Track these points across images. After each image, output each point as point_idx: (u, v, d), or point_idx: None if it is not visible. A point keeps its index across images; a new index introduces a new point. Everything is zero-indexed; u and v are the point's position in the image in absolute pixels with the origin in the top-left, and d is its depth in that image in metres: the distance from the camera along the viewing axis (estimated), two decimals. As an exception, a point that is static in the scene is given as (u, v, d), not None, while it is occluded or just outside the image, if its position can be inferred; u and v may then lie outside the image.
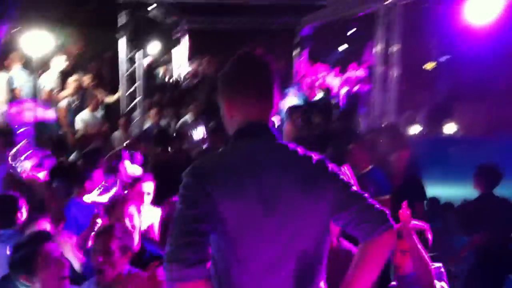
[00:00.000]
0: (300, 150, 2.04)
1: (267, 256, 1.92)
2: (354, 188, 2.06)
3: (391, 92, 10.24)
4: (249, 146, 1.99)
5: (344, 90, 15.22)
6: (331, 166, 2.05)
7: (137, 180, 4.58)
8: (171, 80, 15.50)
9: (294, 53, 16.45)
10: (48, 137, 8.06)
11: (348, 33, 14.21)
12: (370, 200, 2.04)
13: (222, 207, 1.87)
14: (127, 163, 5.22)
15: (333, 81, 16.90)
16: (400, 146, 6.27)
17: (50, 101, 9.22)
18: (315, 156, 2.04)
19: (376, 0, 10.05)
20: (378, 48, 10.55)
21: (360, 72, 16.72)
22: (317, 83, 15.89)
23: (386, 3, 9.78)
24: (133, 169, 5.59)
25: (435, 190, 6.87)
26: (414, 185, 5.84)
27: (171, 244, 1.84)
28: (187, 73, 17.40)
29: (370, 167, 5.72)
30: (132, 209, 3.73)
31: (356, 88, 14.67)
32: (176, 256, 1.81)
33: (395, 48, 10.07)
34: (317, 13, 13.86)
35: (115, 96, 10.35)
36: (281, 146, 2.03)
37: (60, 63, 9.65)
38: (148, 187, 4.55)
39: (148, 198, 4.55)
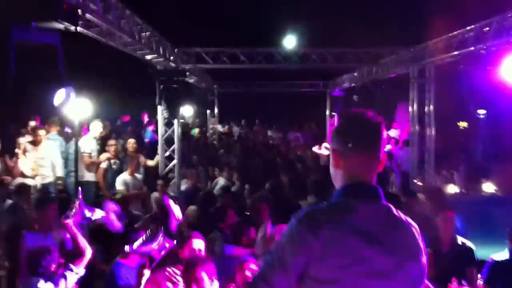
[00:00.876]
0: (399, 213, 2.04)
1: None
2: None
3: (428, 151, 10.20)
4: (364, 209, 1.96)
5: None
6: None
7: (187, 237, 4.51)
8: (205, 142, 15.75)
9: (326, 114, 16.63)
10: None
11: (380, 94, 14.29)
12: None
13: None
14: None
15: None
16: (443, 207, 6.15)
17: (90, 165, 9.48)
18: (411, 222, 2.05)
19: (409, 61, 10.17)
20: (412, 108, 10.59)
21: (392, 132, 16.78)
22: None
23: (420, 63, 9.90)
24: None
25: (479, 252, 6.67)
26: (463, 248, 5.52)
27: None
28: (220, 135, 17.74)
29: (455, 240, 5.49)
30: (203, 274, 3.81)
31: (388, 147, 14.67)
32: None
33: (429, 108, 10.12)
34: (348, 75, 14.09)
35: (155, 160, 10.53)
36: (388, 210, 2.02)
37: (97, 128, 9.94)
38: (199, 244, 4.53)
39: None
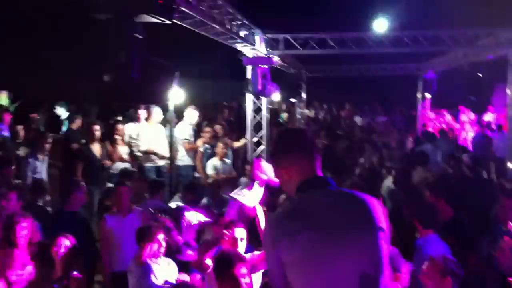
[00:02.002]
0: (355, 192, 2.47)
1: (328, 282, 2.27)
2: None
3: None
4: (312, 195, 2.43)
5: (471, 135, 14.64)
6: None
7: (231, 223, 4.53)
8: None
9: (418, 97, 16.14)
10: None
11: (475, 77, 13.68)
12: None
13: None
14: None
15: (461, 125, 16.34)
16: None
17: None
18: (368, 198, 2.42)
19: (508, 42, 9.64)
20: (510, 92, 10.06)
21: (488, 117, 16.02)
22: (444, 127, 15.46)
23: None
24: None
25: None
26: None
27: None
28: (307, 120, 17.73)
29: None
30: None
31: (485, 133, 14.05)
32: None
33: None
34: (443, 57, 13.56)
35: (242, 142, 10.82)
36: (336, 191, 2.45)
37: (193, 114, 10.33)
38: (241, 233, 4.53)
39: (242, 244, 4.53)
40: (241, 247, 4.51)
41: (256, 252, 4.33)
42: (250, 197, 4.02)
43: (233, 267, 3.83)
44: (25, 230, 5.14)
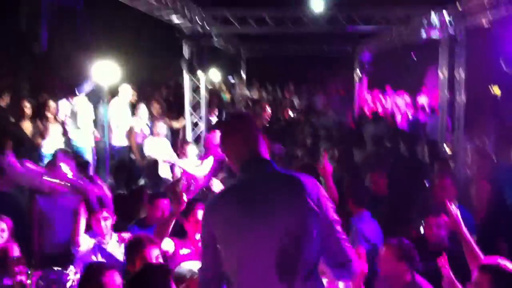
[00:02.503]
0: (292, 173, 2.61)
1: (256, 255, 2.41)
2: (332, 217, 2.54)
3: (458, 118, 10.01)
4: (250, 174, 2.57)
5: (406, 117, 15.06)
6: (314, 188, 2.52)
7: (192, 207, 4.48)
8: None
9: (354, 78, 16.43)
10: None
11: (409, 59, 14.03)
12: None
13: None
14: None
15: (394, 106, 16.78)
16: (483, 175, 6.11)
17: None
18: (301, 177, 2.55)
19: (439, 26, 9.91)
20: (442, 74, 10.37)
21: (422, 99, 16.51)
22: (379, 109, 15.83)
23: (449, 28, 9.65)
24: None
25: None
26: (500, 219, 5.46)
27: None
28: (247, 100, 17.71)
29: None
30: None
31: (417, 114, 14.50)
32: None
33: (460, 74, 9.89)
34: (378, 39, 13.83)
35: (181, 122, 10.67)
36: (273, 172, 2.58)
37: (127, 91, 10.07)
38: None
39: None
40: None
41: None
42: (199, 166, 4.02)
43: (144, 249, 3.81)
44: None
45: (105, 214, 4.98)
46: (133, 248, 3.90)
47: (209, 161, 4.27)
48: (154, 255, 3.84)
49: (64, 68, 10.42)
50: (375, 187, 6.36)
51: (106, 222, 4.95)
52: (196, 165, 4.35)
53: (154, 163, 8.06)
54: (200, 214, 4.37)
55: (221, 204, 2.54)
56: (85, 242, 4.88)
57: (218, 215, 2.49)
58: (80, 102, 9.52)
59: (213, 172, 4.48)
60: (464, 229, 3.82)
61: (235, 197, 2.51)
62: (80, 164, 7.37)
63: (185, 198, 3.97)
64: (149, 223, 5.20)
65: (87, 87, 9.43)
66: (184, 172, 4.39)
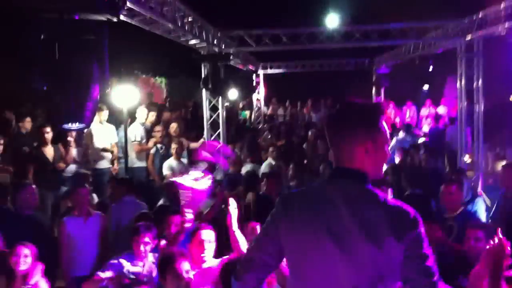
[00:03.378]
0: (382, 196, 2.19)
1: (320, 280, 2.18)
2: (427, 263, 2.13)
3: (477, 128, 9.94)
4: (326, 186, 2.28)
5: (426, 128, 14.97)
6: (415, 227, 2.13)
7: (197, 229, 4.38)
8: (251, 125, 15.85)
9: (372, 91, 16.40)
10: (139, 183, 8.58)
11: (428, 69, 13.96)
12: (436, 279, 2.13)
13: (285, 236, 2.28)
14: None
15: (413, 118, 16.70)
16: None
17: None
18: (399, 208, 2.16)
19: (456, 36, 9.90)
20: (460, 84, 10.33)
21: (441, 109, 16.42)
22: (397, 120, 15.76)
23: (467, 39, 9.62)
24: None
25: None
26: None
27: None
28: (265, 117, 17.79)
29: (462, 208, 5.58)
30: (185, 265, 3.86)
31: (438, 125, 14.39)
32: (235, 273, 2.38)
33: (478, 83, 9.84)
34: (394, 51, 13.82)
35: (199, 142, 10.72)
36: (363, 190, 2.22)
37: (144, 113, 10.21)
38: (208, 234, 4.37)
39: (210, 247, 4.36)
40: (209, 249, 4.34)
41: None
42: (198, 180, 4.01)
43: (175, 263, 3.83)
44: None
45: (147, 239, 4.78)
46: (165, 263, 3.93)
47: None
48: (185, 268, 3.85)
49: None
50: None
51: (146, 247, 4.76)
52: (195, 177, 4.30)
53: (173, 183, 8.12)
54: (204, 234, 4.32)
55: (296, 211, 2.26)
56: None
57: (290, 221, 2.25)
58: (98, 125, 9.64)
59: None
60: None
61: (312, 209, 2.22)
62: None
63: (190, 215, 4.02)
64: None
65: None
66: (181, 187, 4.33)
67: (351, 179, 2.23)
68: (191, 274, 3.89)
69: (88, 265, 5.77)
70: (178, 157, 9.23)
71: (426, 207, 6.17)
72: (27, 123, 10.12)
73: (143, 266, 4.74)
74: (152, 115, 10.79)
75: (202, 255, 4.26)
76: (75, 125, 4.97)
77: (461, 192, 5.68)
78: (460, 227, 5.20)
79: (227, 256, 4.18)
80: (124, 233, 5.92)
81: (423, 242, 2.12)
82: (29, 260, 4.75)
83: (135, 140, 9.80)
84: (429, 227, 4.33)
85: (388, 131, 2.32)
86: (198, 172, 4.29)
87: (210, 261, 4.30)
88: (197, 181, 4.20)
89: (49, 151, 8.84)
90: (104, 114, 9.63)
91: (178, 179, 4.08)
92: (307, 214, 2.22)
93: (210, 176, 4.22)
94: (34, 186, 6.26)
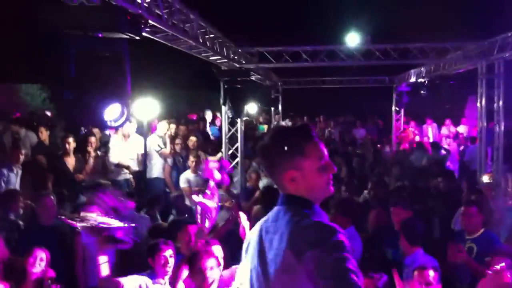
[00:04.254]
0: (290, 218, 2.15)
1: None
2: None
3: (497, 148, 9.88)
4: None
5: (446, 146, 14.87)
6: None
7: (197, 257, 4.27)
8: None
9: (392, 109, 16.34)
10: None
11: (448, 89, 13.89)
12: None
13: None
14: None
15: (435, 136, 16.60)
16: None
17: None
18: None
19: (478, 56, 9.88)
20: (480, 104, 10.29)
21: (461, 128, 16.30)
22: (416, 139, 15.67)
23: (488, 59, 9.60)
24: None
25: None
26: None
27: None
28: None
29: (483, 229, 5.52)
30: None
31: (457, 144, 14.29)
32: None
33: (498, 103, 9.80)
34: (415, 70, 13.80)
35: (218, 156, 10.81)
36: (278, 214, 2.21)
37: (165, 128, 10.34)
38: (217, 251, 4.35)
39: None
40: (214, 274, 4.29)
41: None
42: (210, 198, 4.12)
43: (200, 260, 3.98)
44: None
45: (170, 252, 4.64)
46: (192, 262, 4.10)
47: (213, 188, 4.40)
48: (209, 265, 3.99)
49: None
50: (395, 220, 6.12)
51: (168, 264, 4.58)
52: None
53: (179, 196, 8.24)
54: (208, 262, 4.19)
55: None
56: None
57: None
58: (120, 138, 9.79)
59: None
60: None
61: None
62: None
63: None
64: (183, 251, 5.22)
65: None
66: (200, 204, 4.44)
67: (287, 204, 2.21)
68: (216, 271, 4.00)
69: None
70: (195, 170, 9.32)
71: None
72: (44, 133, 10.32)
73: (165, 284, 4.62)
74: (173, 128, 10.92)
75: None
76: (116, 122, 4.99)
77: (481, 214, 5.60)
78: (481, 249, 5.19)
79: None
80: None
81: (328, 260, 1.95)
82: (43, 264, 4.85)
83: (160, 148, 9.95)
84: (454, 247, 4.37)
85: (321, 152, 2.20)
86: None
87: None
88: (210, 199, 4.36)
89: (70, 161, 8.98)
90: (129, 126, 9.76)
91: (196, 198, 4.23)
92: (254, 242, 2.30)
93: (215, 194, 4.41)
94: (52, 197, 6.35)
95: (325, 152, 2.23)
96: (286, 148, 2.17)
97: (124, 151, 9.65)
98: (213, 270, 4.01)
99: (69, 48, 4.28)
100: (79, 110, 4.49)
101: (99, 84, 4.32)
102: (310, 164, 2.17)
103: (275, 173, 2.22)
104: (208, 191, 4.41)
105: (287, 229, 2.10)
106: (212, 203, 4.29)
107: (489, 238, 5.45)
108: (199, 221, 4.52)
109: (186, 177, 9.20)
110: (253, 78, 12.02)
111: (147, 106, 9.86)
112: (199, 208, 4.48)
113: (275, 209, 2.26)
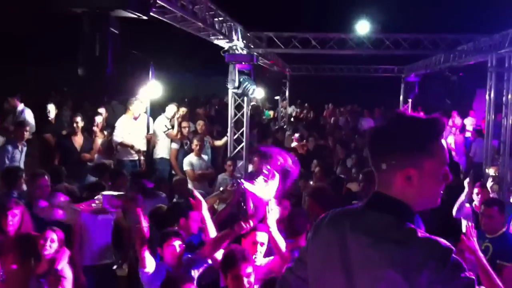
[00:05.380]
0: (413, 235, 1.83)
1: None
2: None
3: (504, 141, 9.82)
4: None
5: (451, 139, 14.81)
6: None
7: (253, 229, 4.33)
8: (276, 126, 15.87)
9: (400, 99, 16.27)
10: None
11: (457, 81, 13.80)
12: None
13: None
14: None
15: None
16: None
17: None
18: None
19: (488, 49, 9.78)
20: (489, 98, 10.22)
21: (468, 121, 16.21)
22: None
23: (498, 52, 9.51)
24: None
25: None
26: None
27: None
28: (289, 117, 17.79)
29: (503, 230, 5.34)
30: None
31: (461, 137, 14.23)
32: None
33: (507, 97, 9.72)
34: (424, 61, 13.70)
35: (223, 140, 10.81)
36: (394, 226, 1.86)
37: (173, 110, 10.33)
38: (262, 237, 4.39)
39: (261, 249, 4.41)
40: (261, 252, 4.41)
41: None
42: (265, 188, 3.91)
43: (238, 266, 3.86)
44: (16, 217, 5.14)
45: (179, 242, 4.65)
46: (227, 264, 3.95)
47: (275, 182, 4.00)
48: (247, 272, 3.89)
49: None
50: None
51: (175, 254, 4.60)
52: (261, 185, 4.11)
53: (182, 180, 8.25)
54: (259, 236, 4.33)
55: (322, 232, 2.06)
56: (151, 264, 4.56)
57: (315, 243, 2.08)
58: (127, 118, 9.79)
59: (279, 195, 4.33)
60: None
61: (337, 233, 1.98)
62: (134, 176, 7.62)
63: (251, 223, 4.04)
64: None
65: None
66: (250, 195, 4.08)
67: (385, 210, 1.89)
68: (252, 278, 3.92)
69: (97, 255, 5.99)
70: (199, 153, 9.33)
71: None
72: (52, 111, 10.35)
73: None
74: (183, 111, 10.89)
75: (254, 256, 4.30)
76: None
77: (503, 214, 5.38)
78: (496, 249, 5.05)
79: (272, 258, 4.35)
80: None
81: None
82: (54, 245, 4.87)
83: (167, 129, 9.95)
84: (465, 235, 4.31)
85: (446, 156, 1.92)
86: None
87: (260, 260, 4.39)
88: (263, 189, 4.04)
89: (78, 140, 9.01)
90: (138, 106, 9.75)
91: (248, 186, 3.97)
92: (327, 241, 1.99)
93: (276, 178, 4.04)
94: (47, 176, 6.21)
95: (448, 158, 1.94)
96: (412, 141, 1.87)
97: (134, 131, 9.65)
98: (250, 276, 3.92)
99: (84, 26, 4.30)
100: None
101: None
102: (432, 166, 1.88)
103: (386, 166, 1.90)
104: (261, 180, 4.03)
105: (389, 243, 1.81)
106: (265, 194, 4.02)
107: (507, 239, 5.26)
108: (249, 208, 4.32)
109: (189, 160, 9.21)
110: (260, 63, 11.98)
111: (153, 88, 9.83)
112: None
113: (363, 209, 1.97)
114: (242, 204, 4.13)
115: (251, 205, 4.11)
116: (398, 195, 1.89)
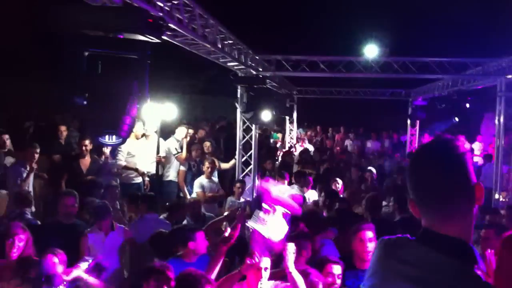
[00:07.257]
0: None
1: None
2: None
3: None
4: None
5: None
6: None
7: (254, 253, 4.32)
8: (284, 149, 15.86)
9: (408, 123, 16.25)
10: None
11: (465, 105, 13.79)
12: None
13: None
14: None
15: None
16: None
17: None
18: None
19: (497, 73, 9.80)
20: (498, 122, 10.19)
21: (476, 146, 16.14)
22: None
23: (508, 76, 9.52)
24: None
25: None
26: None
27: None
28: (297, 141, 17.77)
29: None
30: None
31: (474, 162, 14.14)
32: None
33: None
34: (432, 84, 13.72)
35: (231, 163, 10.77)
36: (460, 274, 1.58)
37: (183, 132, 10.31)
38: (265, 262, 4.38)
39: (265, 274, 4.40)
40: (265, 276, 4.41)
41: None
42: (274, 227, 3.83)
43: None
44: (21, 242, 5.11)
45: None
46: (188, 285, 3.96)
47: (284, 224, 3.85)
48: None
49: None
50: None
51: None
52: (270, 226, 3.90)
53: (197, 202, 8.17)
54: (263, 262, 4.33)
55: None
56: None
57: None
58: (133, 140, 9.75)
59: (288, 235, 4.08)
60: None
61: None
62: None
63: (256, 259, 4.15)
64: (187, 259, 5.14)
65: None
66: (257, 235, 3.95)
67: (446, 254, 1.60)
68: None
69: (106, 278, 5.89)
70: (210, 175, 9.30)
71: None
72: (64, 132, 10.36)
73: None
74: (190, 133, 10.89)
75: (260, 282, 4.33)
76: (112, 140, 5.07)
77: (500, 237, 5.43)
78: None
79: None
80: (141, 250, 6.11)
81: None
82: (59, 268, 4.82)
83: (177, 152, 9.91)
84: None
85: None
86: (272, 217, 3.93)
87: (266, 285, 4.39)
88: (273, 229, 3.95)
89: (85, 163, 9.00)
90: (140, 127, 9.72)
91: (254, 225, 3.90)
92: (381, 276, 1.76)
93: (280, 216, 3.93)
94: (74, 196, 6.26)
95: None
96: (464, 175, 1.66)
97: (138, 152, 9.58)
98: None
99: (86, 50, 4.32)
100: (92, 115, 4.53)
101: (114, 86, 4.35)
102: (477, 199, 1.68)
103: (436, 199, 1.67)
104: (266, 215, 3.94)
105: None
106: (275, 235, 3.91)
107: None
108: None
109: (200, 182, 9.17)
110: (269, 86, 12.01)
111: (161, 109, 9.82)
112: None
113: (416, 248, 1.68)
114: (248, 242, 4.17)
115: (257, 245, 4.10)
116: (456, 234, 1.65)
